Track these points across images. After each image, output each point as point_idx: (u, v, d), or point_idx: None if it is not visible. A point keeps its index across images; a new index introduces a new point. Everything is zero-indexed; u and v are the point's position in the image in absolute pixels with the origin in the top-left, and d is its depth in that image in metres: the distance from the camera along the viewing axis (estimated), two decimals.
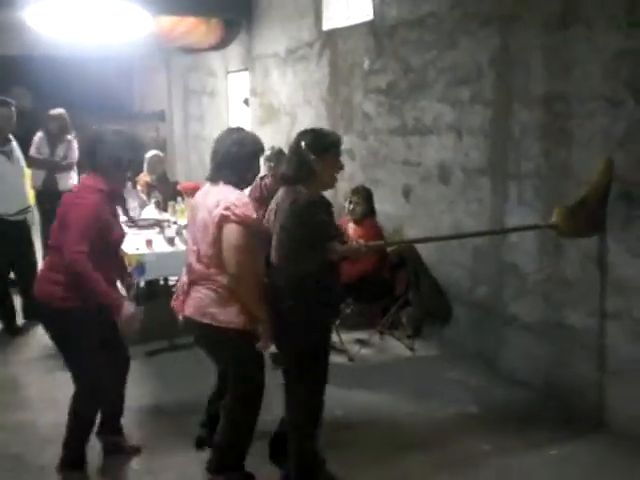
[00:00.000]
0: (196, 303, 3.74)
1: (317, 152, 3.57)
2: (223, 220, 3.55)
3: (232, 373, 3.84)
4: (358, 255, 3.94)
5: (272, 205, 3.74)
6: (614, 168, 4.23)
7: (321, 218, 3.55)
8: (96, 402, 3.99)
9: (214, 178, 3.82)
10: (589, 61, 4.36)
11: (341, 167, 3.67)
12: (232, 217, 3.54)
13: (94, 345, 3.86)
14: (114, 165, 3.85)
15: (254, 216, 3.63)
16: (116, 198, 4.00)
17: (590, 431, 4.45)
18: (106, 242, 3.83)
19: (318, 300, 3.55)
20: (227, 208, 3.56)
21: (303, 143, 3.58)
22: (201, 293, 3.72)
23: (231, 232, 3.54)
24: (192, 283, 3.78)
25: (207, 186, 3.87)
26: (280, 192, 3.70)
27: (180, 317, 3.92)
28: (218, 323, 3.65)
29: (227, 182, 3.74)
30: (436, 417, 4.72)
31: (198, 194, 3.92)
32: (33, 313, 5.23)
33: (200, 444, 4.28)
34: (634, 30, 4.04)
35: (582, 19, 4.38)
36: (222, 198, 3.63)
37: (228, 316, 3.63)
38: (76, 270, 3.63)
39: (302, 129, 3.74)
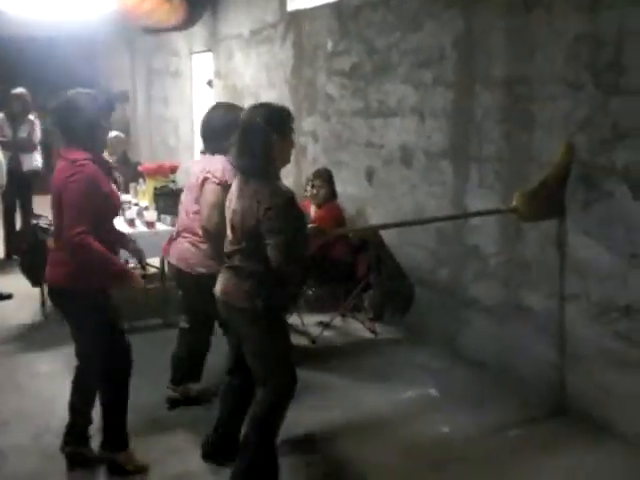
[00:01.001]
0: (178, 252, 4.38)
1: (279, 130, 3.38)
2: (205, 181, 4.12)
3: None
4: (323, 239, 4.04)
5: (232, 192, 3.53)
6: (574, 152, 4.25)
7: (300, 212, 3.48)
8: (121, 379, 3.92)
9: (203, 150, 4.36)
10: (551, 44, 4.36)
11: (293, 146, 3.56)
12: (212, 179, 4.08)
13: (109, 325, 3.85)
14: (92, 132, 3.71)
15: (231, 181, 3.70)
16: (102, 164, 3.86)
17: (549, 413, 4.49)
18: (106, 212, 3.76)
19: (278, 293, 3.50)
20: (209, 172, 4.11)
21: (260, 121, 3.35)
22: (183, 245, 4.34)
23: (208, 191, 4.09)
24: (179, 233, 4.41)
25: (200, 157, 4.50)
26: (244, 183, 3.43)
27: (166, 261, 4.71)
28: (191, 269, 4.26)
29: (212, 153, 4.24)
30: (396, 399, 4.73)
31: (193, 163, 4.65)
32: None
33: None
34: (595, 14, 4.05)
35: (544, 2, 4.39)
36: (207, 164, 4.19)
37: (202, 264, 4.20)
38: (81, 253, 3.55)
39: (251, 104, 3.58)
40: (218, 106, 4.55)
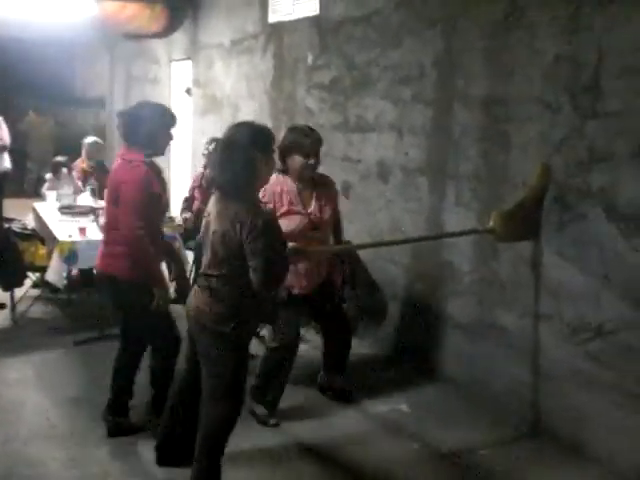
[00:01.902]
0: None
1: (263, 149, 3.42)
2: None
3: None
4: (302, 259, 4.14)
5: (210, 211, 3.51)
6: (551, 173, 4.28)
7: (280, 231, 3.50)
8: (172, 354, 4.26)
9: None
10: (529, 65, 4.40)
11: (274, 165, 3.62)
12: None
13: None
14: (154, 138, 4.10)
15: None
16: (154, 168, 4.20)
17: (521, 433, 4.49)
18: (156, 212, 4.13)
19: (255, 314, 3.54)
20: None
21: (244, 140, 3.39)
22: None
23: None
24: None
25: None
26: (223, 204, 3.41)
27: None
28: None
29: None
30: (367, 414, 4.73)
31: None
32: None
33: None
34: (575, 36, 4.09)
35: (524, 24, 4.42)
36: None
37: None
38: (138, 248, 3.96)
39: (232, 123, 3.61)
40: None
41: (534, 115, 4.38)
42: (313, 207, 4.42)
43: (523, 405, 4.58)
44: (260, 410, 4.49)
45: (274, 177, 4.31)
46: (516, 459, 4.21)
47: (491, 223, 4.27)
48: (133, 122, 4.11)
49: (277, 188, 4.37)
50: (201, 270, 3.58)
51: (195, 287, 3.60)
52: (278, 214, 4.22)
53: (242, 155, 3.33)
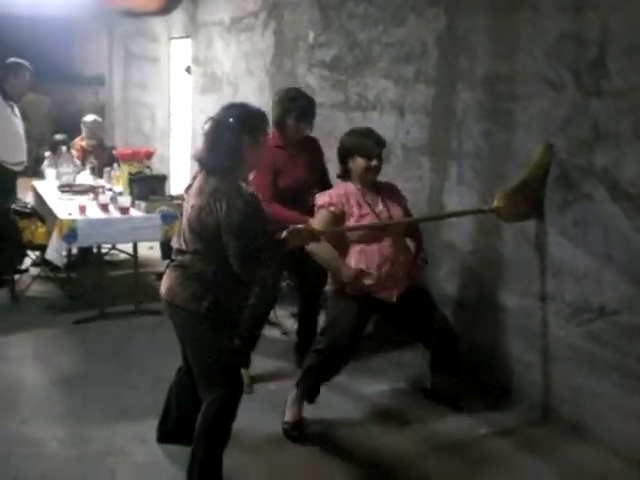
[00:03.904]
0: None
1: (250, 131, 3.31)
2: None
3: None
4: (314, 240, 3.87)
5: (191, 186, 3.45)
6: (553, 152, 4.25)
7: (262, 216, 3.39)
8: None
9: None
10: (533, 43, 4.35)
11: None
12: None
13: None
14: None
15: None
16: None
17: (521, 412, 4.49)
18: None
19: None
20: None
21: (232, 120, 3.29)
22: None
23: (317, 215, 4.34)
24: None
25: None
26: (205, 175, 3.34)
27: None
28: None
29: None
30: (366, 392, 4.72)
31: None
32: None
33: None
34: (580, 14, 4.04)
35: (528, 1, 4.37)
36: None
37: None
38: None
39: (227, 103, 3.50)
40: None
41: (538, 94, 4.34)
42: (380, 207, 4.25)
43: (524, 385, 4.58)
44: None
45: (339, 184, 4.33)
46: (516, 438, 4.21)
47: (495, 202, 4.23)
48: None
49: (342, 191, 4.26)
50: (174, 247, 3.50)
51: (167, 270, 3.50)
52: (352, 220, 4.15)
53: (228, 136, 3.27)
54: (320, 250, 4.10)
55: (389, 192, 4.38)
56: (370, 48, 5.81)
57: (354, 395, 4.68)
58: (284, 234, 3.40)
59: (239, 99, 7.70)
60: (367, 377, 4.88)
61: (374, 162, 4.23)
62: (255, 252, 3.23)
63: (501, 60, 4.61)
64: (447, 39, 5.04)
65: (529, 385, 4.55)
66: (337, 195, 4.23)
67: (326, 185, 4.72)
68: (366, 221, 4.17)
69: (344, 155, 4.32)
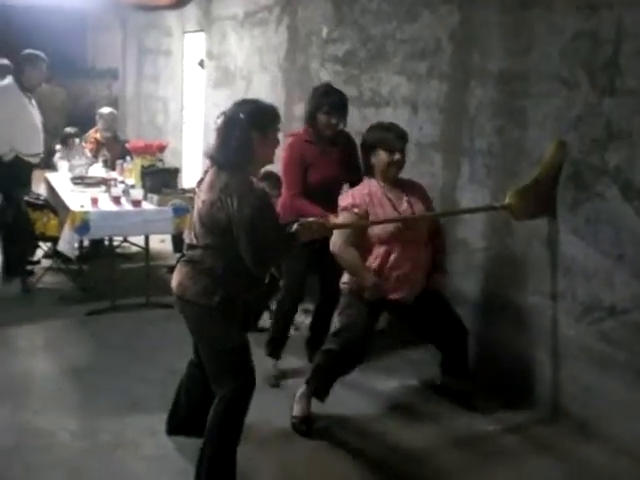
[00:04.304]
0: None
1: (260, 127, 3.31)
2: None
3: None
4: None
5: (202, 181, 3.47)
6: (566, 150, 4.24)
7: (273, 212, 3.41)
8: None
9: None
10: (547, 41, 4.34)
11: (277, 145, 3.45)
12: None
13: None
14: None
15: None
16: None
17: (531, 411, 4.49)
18: None
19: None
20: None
21: (242, 116, 3.29)
22: None
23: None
24: None
25: None
26: (217, 170, 3.35)
27: None
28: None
29: None
30: (377, 389, 4.73)
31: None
32: None
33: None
34: (594, 12, 4.03)
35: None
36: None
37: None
38: None
39: (239, 99, 3.50)
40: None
41: (551, 92, 4.33)
42: (404, 206, 4.17)
43: (534, 383, 4.57)
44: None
45: (363, 182, 4.28)
46: (525, 437, 4.21)
47: (507, 200, 4.22)
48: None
49: (365, 190, 4.20)
50: (185, 242, 3.51)
51: (178, 265, 3.51)
52: (375, 219, 4.11)
53: (238, 132, 3.28)
54: (345, 255, 4.09)
55: (413, 190, 4.31)
56: (384, 44, 5.80)
57: (365, 391, 4.69)
58: (295, 227, 3.39)
59: (252, 93, 7.77)
60: (379, 374, 4.89)
61: (397, 156, 4.16)
62: (267, 247, 3.23)
63: (515, 57, 4.60)
64: (461, 35, 5.03)
65: (539, 383, 4.55)
66: (360, 196, 4.17)
67: (358, 181, 4.64)
68: (390, 226, 4.10)
69: (367, 150, 4.26)
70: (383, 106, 5.83)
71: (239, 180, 3.24)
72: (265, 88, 7.63)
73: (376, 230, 4.09)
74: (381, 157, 4.17)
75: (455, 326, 4.38)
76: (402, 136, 4.22)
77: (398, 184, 4.26)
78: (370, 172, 4.27)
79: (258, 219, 3.18)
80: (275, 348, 4.88)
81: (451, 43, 5.12)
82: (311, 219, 3.52)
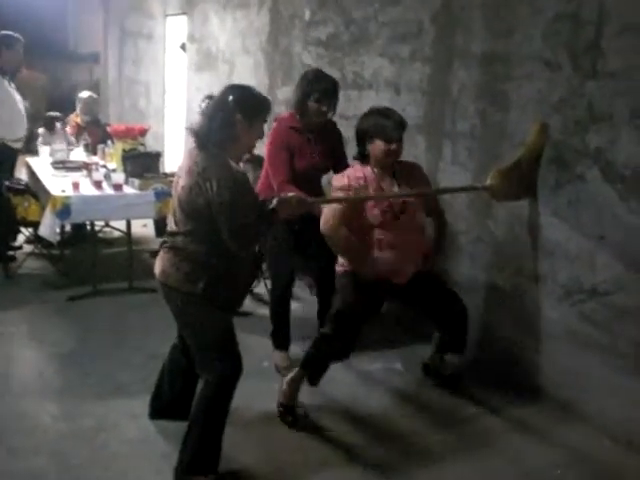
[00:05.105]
0: None
1: (246, 113, 3.27)
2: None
3: None
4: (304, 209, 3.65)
5: (181, 167, 3.42)
6: (548, 132, 4.24)
7: (252, 193, 3.40)
8: None
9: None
10: (529, 23, 4.34)
11: (261, 136, 3.41)
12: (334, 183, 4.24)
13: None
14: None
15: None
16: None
17: (514, 392, 4.49)
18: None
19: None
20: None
21: (231, 98, 3.27)
22: None
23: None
24: None
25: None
26: (195, 154, 3.32)
27: None
28: None
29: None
30: (360, 371, 4.75)
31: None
32: None
33: None
34: None
35: None
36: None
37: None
38: None
39: (233, 83, 3.50)
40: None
41: (533, 74, 4.33)
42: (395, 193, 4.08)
43: (516, 365, 4.60)
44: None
45: (356, 165, 4.15)
46: (508, 418, 4.24)
47: (489, 181, 4.22)
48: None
49: (359, 174, 4.07)
50: (167, 228, 3.47)
51: (160, 251, 3.49)
52: (368, 207, 4.02)
53: (222, 113, 3.26)
54: (336, 235, 4.01)
55: (408, 175, 4.20)
56: (366, 26, 5.78)
57: (349, 373, 4.70)
58: (274, 203, 3.36)
59: (235, 77, 7.73)
60: (362, 355, 4.89)
61: (394, 146, 4.02)
62: (247, 228, 3.22)
63: (497, 39, 4.59)
64: (443, 18, 5.02)
65: (520, 364, 4.57)
66: (355, 178, 4.05)
67: (342, 170, 4.56)
68: (379, 209, 4.02)
69: (362, 137, 4.10)
70: (366, 89, 5.82)
71: (217, 164, 3.22)
72: (248, 71, 7.60)
73: (368, 217, 4.03)
74: (378, 146, 4.03)
75: (454, 302, 4.28)
76: (401, 124, 4.07)
77: (392, 170, 4.14)
78: (364, 159, 4.14)
79: (237, 202, 3.16)
80: (279, 339, 4.81)
81: (433, 25, 5.10)
82: (290, 194, 3.49)
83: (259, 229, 3.36)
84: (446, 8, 4.98)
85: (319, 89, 4.53)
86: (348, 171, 4.17)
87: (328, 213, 4.00)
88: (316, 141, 4.65)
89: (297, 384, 4.11)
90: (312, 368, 4.11)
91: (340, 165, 4.58)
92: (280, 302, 4.79)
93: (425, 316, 4.53)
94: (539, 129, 4.26)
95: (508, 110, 4.53)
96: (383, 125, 4.02)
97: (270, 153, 4.60)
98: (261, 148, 4.52)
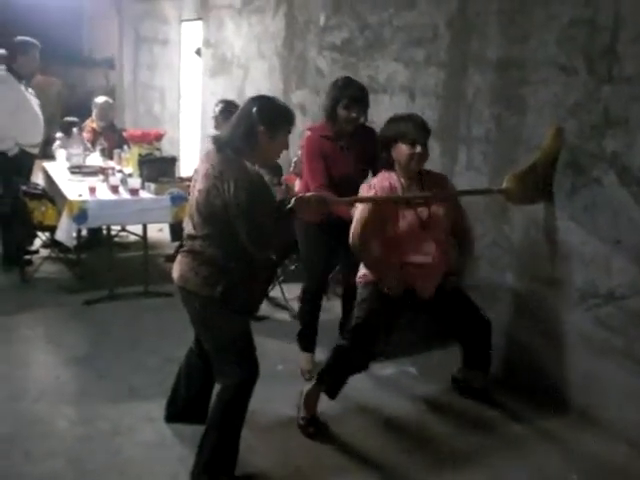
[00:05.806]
0: None
1: (269, 125, 3.28)
2: None
3: None
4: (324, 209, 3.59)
5: (198, 170, 3.43)
6: (564, 136, 4.24)
7: (269, 194, 3.39)
8: None
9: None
10: (545, 28, 4.33)
11: (286, 148, 3.43)
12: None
13: None
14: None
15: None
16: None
17: (528, 396, 4.48)
18: None
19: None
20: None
21: (255, 110, 3.28)
22: None
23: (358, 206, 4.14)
24: None
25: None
26: (214, 158, 3.32)
27: None
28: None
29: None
30: (377, 377, 4.73)
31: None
32: None
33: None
34: None
35: None
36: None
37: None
38: None
39: (258, 93, 3.51)
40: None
41: (549, 78, 4.32)
42: (421, 207, 3.98)
43: (531, 369, 4.58)
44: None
45: (383, 173, 4.07)
46: (523, 423, 4.22)
47: (505, 184, 4.20)
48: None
49: (386, 183, 4.03)
50: (184, 232, 3.48)
51: (178, 255, 3.51)
52: (393, 220, 3.95)
53: (245, 124, 3.28)
54: (365, 252, 3.99)
55: (435, 186, 4.08)
56: (381, 31, 5.79)
57: (364, 376, 4.67)
58: (292, 202, 3.35)
59: (249, 82, 7.76)
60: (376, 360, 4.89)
61: (418, 149, 3.89)
62: (265, 228, 3.22)
63: (513, 44, 4.59)
64: (458, 23, 5.02)
65: (536, 369, 4.56)
66: (381, 189, 3.98)
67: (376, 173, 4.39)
68: (407, 221, 3.95)
69: (386, 144, 4.01)
70: (381, 93, 5.82)
71: (234, 166, 3.23)
72: (263, 76, 7.62)
73: (394, 229, 3.95)
74: (402, 150, 3.92)
75: (477, 319, 4.24)
76: (424, 127, 3.96)
77: (420, 180, 4.05)
78: (390, 167, 4.06)
79: (255, 203, 3.17)
80: (306, 341, 4.80)
81: (449, 30, 5.11)
82: (308, 194, 3.48)
83: (277, 230, 3.35)
84: (461, 13, 4.98)
85: (347, 95, 4.45)
86: (373, 180, 4.10)
87: (356, 227, 3.97)
88: (349, 148, 4.57)
89: (314, 398, 4.08)
90: (330, 381, 4.09)
91: (377, 168, 4.53)
92: (311, 301, 4.78)
93: (447, 331, 4.52)
94: (555, 133, 4.25)
95: (524, 114, 4.52)
96: (405, 129, 3.94)
97: (307, 159, 4.56)
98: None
